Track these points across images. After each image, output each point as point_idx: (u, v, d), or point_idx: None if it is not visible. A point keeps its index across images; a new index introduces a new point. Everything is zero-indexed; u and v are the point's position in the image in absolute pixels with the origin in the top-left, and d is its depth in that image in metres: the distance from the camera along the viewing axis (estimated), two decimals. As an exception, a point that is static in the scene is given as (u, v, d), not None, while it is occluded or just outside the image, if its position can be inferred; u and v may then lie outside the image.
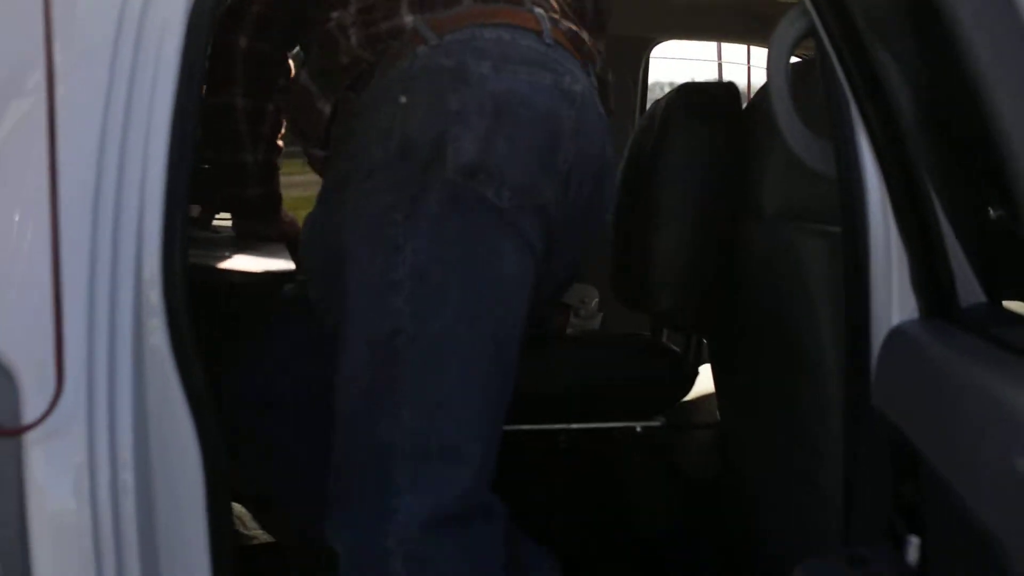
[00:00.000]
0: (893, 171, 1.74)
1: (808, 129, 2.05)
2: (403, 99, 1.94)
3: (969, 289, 1.74)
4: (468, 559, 1.93)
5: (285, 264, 2.23)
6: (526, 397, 2.41)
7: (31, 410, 1.59)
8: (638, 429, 2.65)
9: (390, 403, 1.89)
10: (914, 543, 1.61)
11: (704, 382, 2.92)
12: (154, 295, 1.70)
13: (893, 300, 1.84)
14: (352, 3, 2.09)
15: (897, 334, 1.77)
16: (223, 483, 1.77)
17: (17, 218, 1.65)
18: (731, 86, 2.66)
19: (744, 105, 2.62)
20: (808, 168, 2.06)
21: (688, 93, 2.60)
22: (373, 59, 2.04)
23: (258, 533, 2.80)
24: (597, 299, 2.81)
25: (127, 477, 1.66)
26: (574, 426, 2.65)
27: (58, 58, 1.65)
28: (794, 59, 2.17)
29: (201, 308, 1.80)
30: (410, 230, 1.87)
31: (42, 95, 1.60)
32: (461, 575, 1.93)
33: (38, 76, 1.66)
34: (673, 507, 3.01)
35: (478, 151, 1.87)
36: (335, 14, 2.10)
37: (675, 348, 2.74)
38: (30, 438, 1.60)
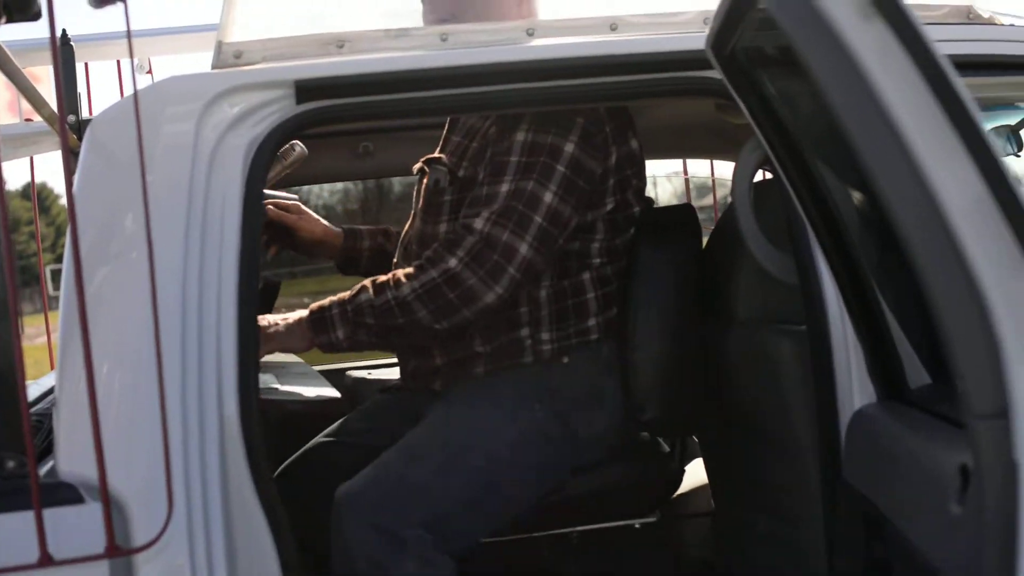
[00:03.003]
0: (841, 277, 2.07)
1: (770, 242, 2.39)
2: None
3: (917, 372, 2.07)
4: None
5: (332, 392, 2.55)
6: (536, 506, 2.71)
7: (141, 534, 1.91)
8: (636, 526, 2.91)
9: None
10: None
11: (700, 474, 3.23)
12: (233, 428, 2.03)
13: (854, 387, 2.19)
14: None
15: (858, 416, 2.10)
16: None
17: (105, 366, 1.99)
18: (688, 208, 2.94)
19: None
20: (774, 276, 2.41)
21: (649, 219, 2.83)
22: None
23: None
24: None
25: (222, 587, 1.97)
26: (579, 529, 2.90)
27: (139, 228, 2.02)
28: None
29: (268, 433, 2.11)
30: None
31: (131, 263, 1.96)
32: None
33: (124, 247, 2.04)
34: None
35: None
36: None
37: (664, 448, 2.95)
38: (140, 557, 1.92)
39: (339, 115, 2.26)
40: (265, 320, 2.60)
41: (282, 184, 3.39)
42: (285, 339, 2.59)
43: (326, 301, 2.62)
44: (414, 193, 2.91)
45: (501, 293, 2.54)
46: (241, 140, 2.13)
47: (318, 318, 2.59)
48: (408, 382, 2.89)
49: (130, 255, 2.06)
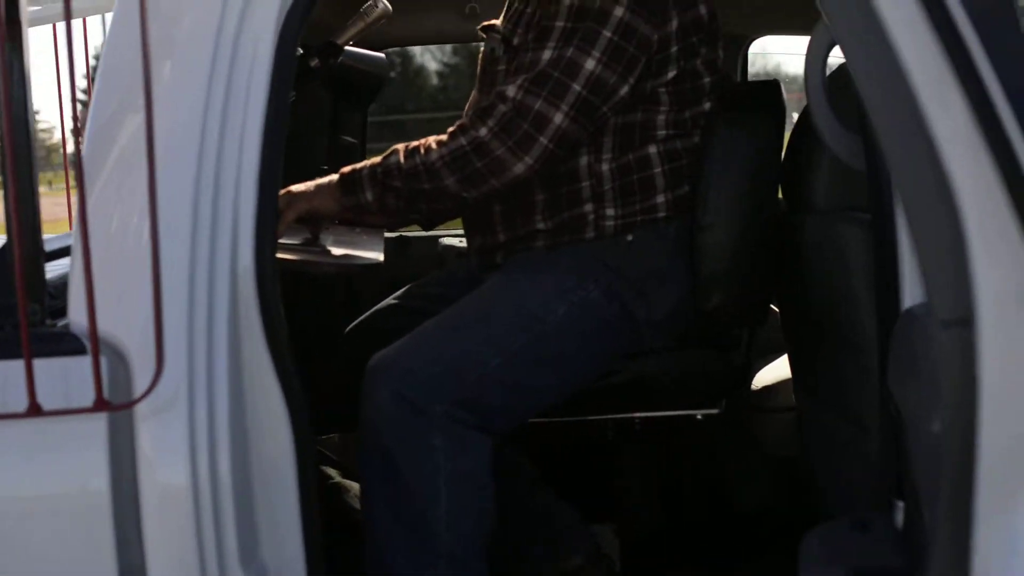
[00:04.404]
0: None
1: (843, 125, 2.21)
2: None
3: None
4: None
5: (374, 256, 2.47)
6: (590, 390, 2.61)
7: (141, 389, 1.86)
8: (698, 416, 2.77)
9: None
10: (899, 507, 1.78)
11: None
12: (248, 284, 1.95)
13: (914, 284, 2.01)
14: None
15: (906, 315, 1.93)
16: (311, 459, 2.01)
17: (124, 217, 1.94)
18: (774, 83, 2.75)
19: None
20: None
21: (730, 94, 2.67)
22: None
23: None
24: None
25: (223, 451, 1.90)
26: (638, 415, 2.78)
27: (164, 75, 1.95)
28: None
29: (296, 296, 2.02)
30: None
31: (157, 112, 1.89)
32: None
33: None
34: (756, 483, 3.17)
35: None
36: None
37: (731, 338, 2.82)
38: (138, 413, 1.87)
39: None
40: (299, 185, 2.54)
41: (378, 45, 3.31)
42: (313, 198, 2.54)
43: (358, 164, 2.55)
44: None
45: (531, 164, 2.43)
46: (277, -13, 2.03)
47: (348, 179, 2.53)
48: (474, 258, 2.79)
49: (158, 104, 1.99)
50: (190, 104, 1.96)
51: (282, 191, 2.52)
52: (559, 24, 2.47)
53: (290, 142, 2.84)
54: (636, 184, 2.58)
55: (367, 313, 2.91)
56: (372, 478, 2.41)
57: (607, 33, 2.44)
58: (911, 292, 1.98)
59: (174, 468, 1.89)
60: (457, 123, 2.49)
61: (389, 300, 2.91)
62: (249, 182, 1.97)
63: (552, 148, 2.43)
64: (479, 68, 2.72)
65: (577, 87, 2.42)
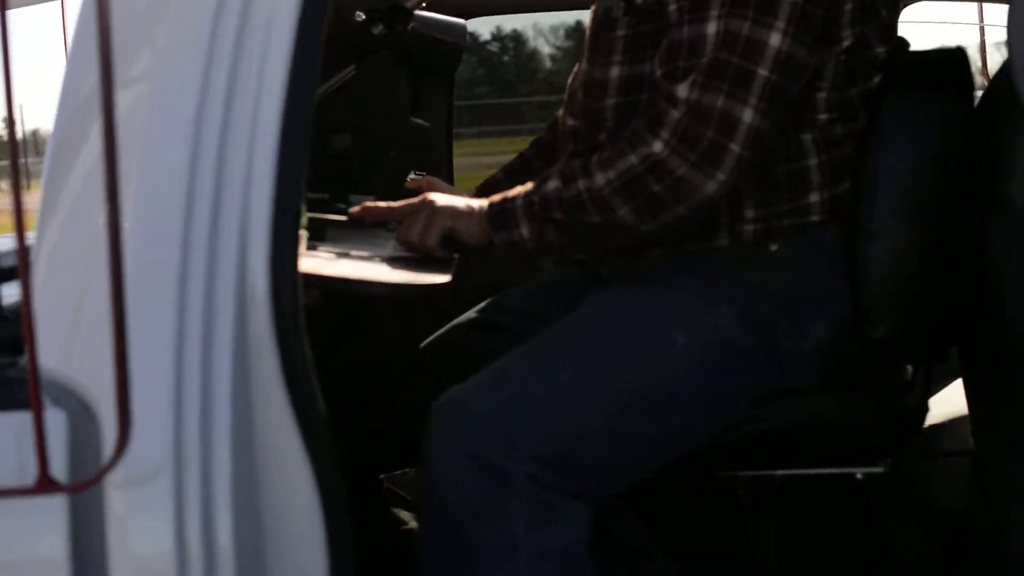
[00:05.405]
0: None
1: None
2: None
3: None
4: None
5: (436, 277, 1.97)
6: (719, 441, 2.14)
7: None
8: (858, 476, 2.27)
9: None
10: None
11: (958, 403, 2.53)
12: (260, 309, 1.47)
13: None
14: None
15: None
16: (346, 536, 1.53)
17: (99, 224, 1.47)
18: (959, 52, 2.22)
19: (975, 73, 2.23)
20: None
21: (903, 65, 2.17)
22: None
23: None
24: None
25: (224, 523, 1.44)
26: (779, 472, 2.29)
27: (155, 44, 1.49)
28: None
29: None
30: None
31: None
32: None
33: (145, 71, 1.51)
34: (923, 541, 2.64)
35: None
36: None
37: (902, 376, 2.28)
38: (110, 482, 1.40)
39: None
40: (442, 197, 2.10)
41: (460, 11, 2.89)
42: (459, 219, 2.06)
43: (510, 192, 2.05)
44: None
45: (724, 180, 1.89)
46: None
47: (498, 211, 2.04)
48: (574, 267, 2.31)
49: (148, 77, 1.52)
50: (185, 74, 1.48)
51: (419, 198, 2.11)
52: None
53: (355, 124, 2.42)
54: (785, 179, 2.05)
55: (443, 328, 2.44)
56: (433, 551, 1.94)
57: None
58: None
59: (155, 537, 1.42)
60: (622, 135, 1.97)
61: (469, 314, 2.44)
62: (265, 170, 1.49)
63: (747, 156, 1.89)
64: (588, 33, 2.21)
65: (764, 72, 1.89)
